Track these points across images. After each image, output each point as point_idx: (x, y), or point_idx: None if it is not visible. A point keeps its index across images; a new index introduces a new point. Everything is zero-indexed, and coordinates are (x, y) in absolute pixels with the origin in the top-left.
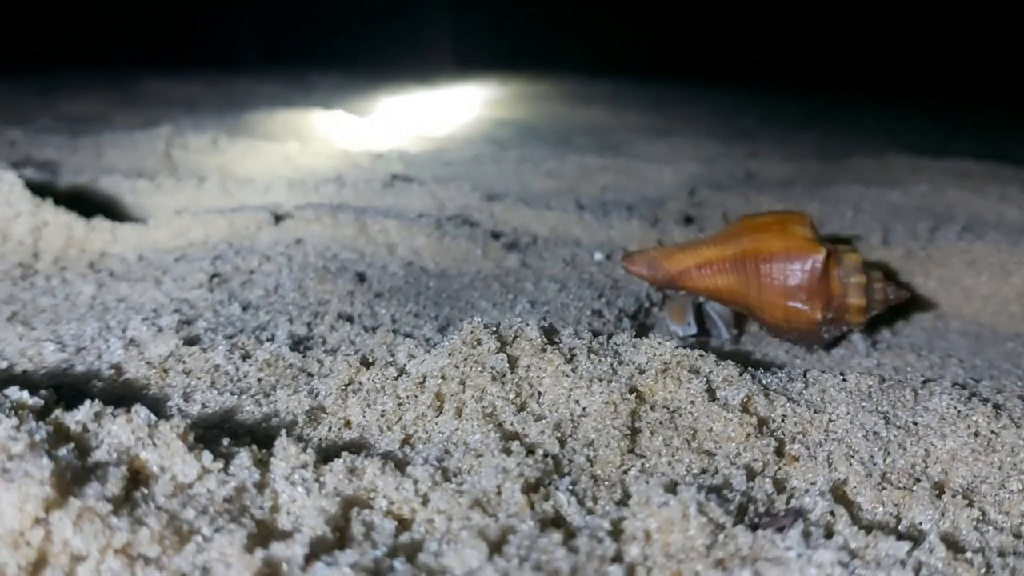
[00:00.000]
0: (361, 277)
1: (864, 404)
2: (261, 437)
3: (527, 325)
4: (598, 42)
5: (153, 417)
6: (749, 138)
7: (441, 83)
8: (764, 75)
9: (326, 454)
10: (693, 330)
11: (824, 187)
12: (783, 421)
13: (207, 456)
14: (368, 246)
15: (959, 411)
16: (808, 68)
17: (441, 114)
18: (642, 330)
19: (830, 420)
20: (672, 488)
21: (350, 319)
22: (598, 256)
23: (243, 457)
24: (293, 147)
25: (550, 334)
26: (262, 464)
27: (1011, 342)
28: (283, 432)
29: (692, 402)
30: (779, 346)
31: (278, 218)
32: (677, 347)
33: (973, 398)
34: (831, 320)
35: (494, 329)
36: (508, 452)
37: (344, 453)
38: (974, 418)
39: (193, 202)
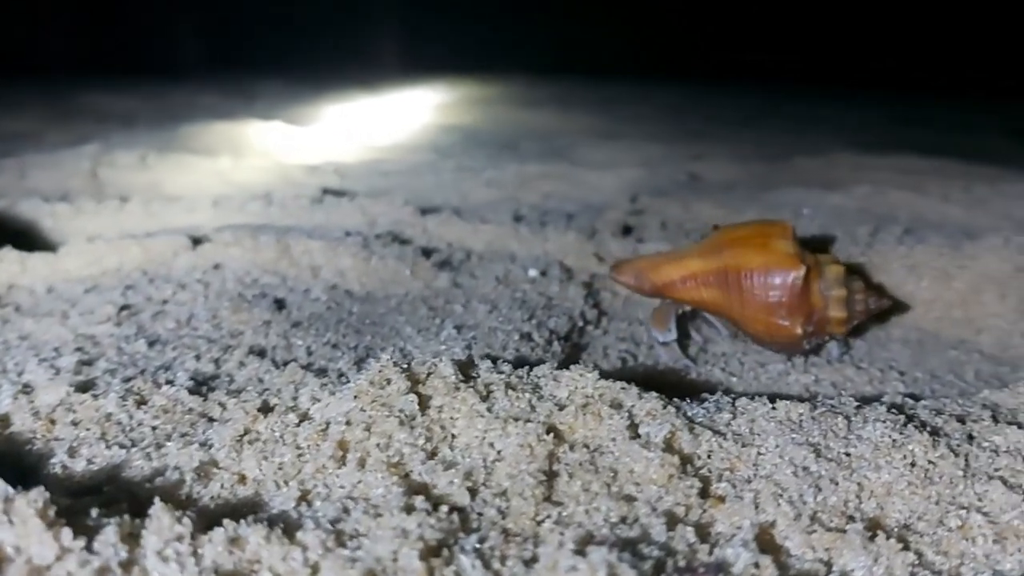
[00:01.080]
0: (280, 304)
1: (794, 435)
2: (145, 498)
3: (440, 361)
4: (548, 43)
5: (10, 490)
6: (695, 138)
7: (389, 89)
8: (713, 72)
9: (212, 518)
10: (673, 336)
11: (765, 191)
12: (709, 457)
13: (67, 534)
14: (290, 269)
15: (894, 440)
16: (757, 63)
17: (385, 121)
18: (576, 351)
19: (759, 454)
20: (583, 547)
21: (262, 353)
22: (532, 273)
23: (110, 532)
24: (225, 162)
25: (467, 369)
26: (132, 538)
27: (954, 349)
28: (158, 498)
29: (613, 439)
30: (722, 360)
31: (196, 242)
32: (599, 379)
33: (909, 424)
34: (812, 333)
35: (405, 367)
36: (410, 510)
37: (226, 521)
38: (910, 447)
39: (114, 225)
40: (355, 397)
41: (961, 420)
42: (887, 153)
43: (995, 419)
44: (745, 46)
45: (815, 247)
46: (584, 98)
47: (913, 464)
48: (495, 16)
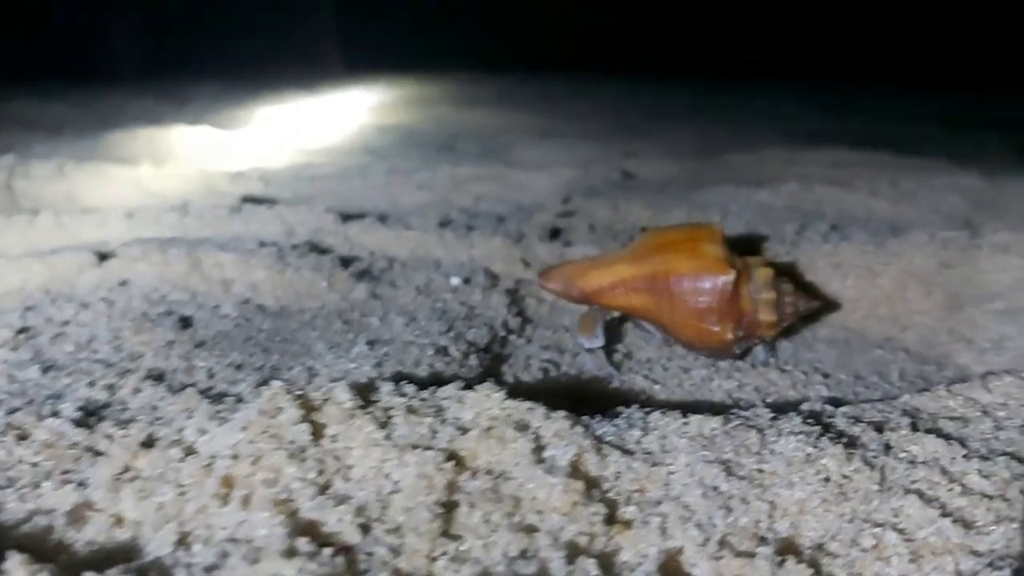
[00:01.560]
0: (185, 323)
1: (705, 452)
2: (12, 547)
3: (336, 386)
4: (491, 40)
5: None
6: (633, 135)
7: (328, 89)
8: (655, 67)
9: (80, 567)
10: (600, 342)
11: (696, 189)
12: (617, 479)
13: None
14: (201, 284)
15: (808, 454)
16: (697, 56)
17: (321, 123)
18: (496, 363)
19: (669, 473)
20: None
21: (160, 377)
22: (454, 281)
23: None
24: (145, 170)
25: (366, 392)
26: None
27: (880, 349)
28: (15, 551)
29: (517, 464)
30: (646, 366)
31: (103, 257)
32: (505, 400)
33: (823, 437)
34: (742, 337)
35: (299, 394)
36: (291, 553)
37: (87, 574)
38: (824, 461)
39: (22, 241)
40: (243, 428)
41: (879, 429)
42: (819, 147)
43: (914, 426)
44: (688, 40)
45: (744, 248)
46: (526, 96)
47: (827, 479)
48: (438, 14)
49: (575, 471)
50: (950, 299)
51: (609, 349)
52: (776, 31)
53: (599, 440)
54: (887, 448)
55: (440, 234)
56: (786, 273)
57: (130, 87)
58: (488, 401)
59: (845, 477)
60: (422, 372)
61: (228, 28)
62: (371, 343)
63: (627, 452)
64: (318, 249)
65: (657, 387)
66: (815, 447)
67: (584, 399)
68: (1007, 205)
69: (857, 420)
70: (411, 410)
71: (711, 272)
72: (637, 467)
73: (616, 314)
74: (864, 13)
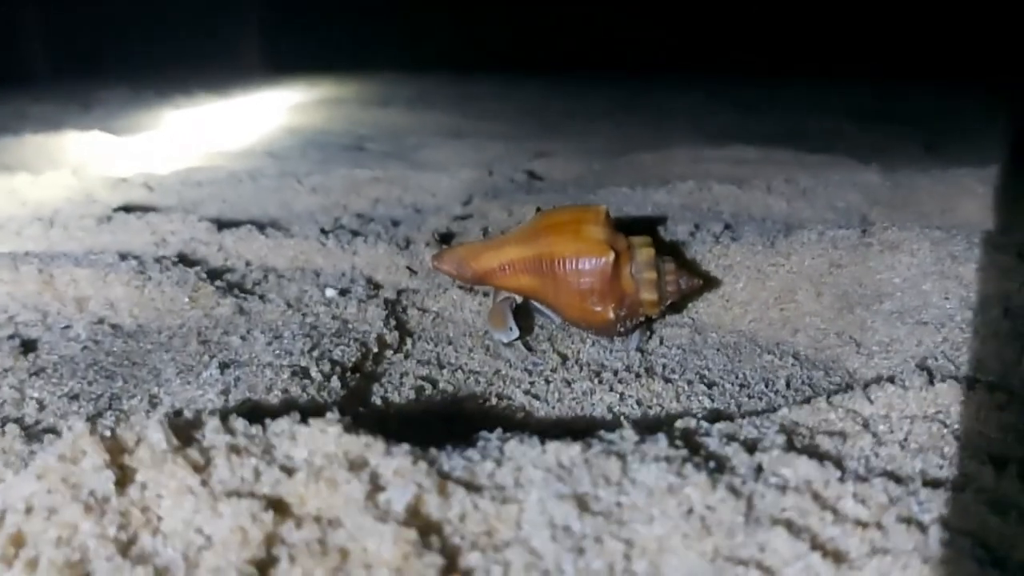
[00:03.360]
0: (28, 347)
1: (560, 486)
2: None
3: (149, 424)
4: (410, 40)
5: None
6: (547, 134)
7: (242, 91)
8: (574, 65)
9: None
10: (516, 334)
11: (598, 189)
12: (462, 522)
13: None
14: (54, 303)
15: (671, 484)
16: (620, 54)
17: (227, 126)
18: (367, 382)
19: (520, 511)
20: None
21: None
22: (330, 293)
23: None
24: (22, 178)
25: (186, 431)
26: None
27: (769, 354)
28: None
29: (348, 510)
30: (527, 380)
31: None
32: (343, 434)
33: (689, 462)
34: (625, 316)
35: (108, 434)
36: None
37: None
38: (687, 491)
39: None
40: (39, 477)
41: (751, 449)
42: (724, 145)
43: (790, 445)
44: (612, 39)
45: (637, 229)
46: (442, 96)
47: (690, 511)
48: (357, 14)
49: (413, 515)
50: (840, 300)
51: (526, 339)
52: (699, 28)
53: (445, 476)
54: (758, 471)
55: (322, 241)
56: (671, 252)
57: (35, 92)
58: (323, 437)
59: (709, 508)
60: (273, 399)
61: (142, 28)
62: (223, 366)
63: (475, 489)
64: (187, 261)
65: (537, 403)
66: (679, 475)
67: (457, 420)
68: (905, 201)
69: (731, 439)
70: (235, 450)
71: (592, 254)
72: (485, 506)
73: (519, 299)
74: (779, 6)
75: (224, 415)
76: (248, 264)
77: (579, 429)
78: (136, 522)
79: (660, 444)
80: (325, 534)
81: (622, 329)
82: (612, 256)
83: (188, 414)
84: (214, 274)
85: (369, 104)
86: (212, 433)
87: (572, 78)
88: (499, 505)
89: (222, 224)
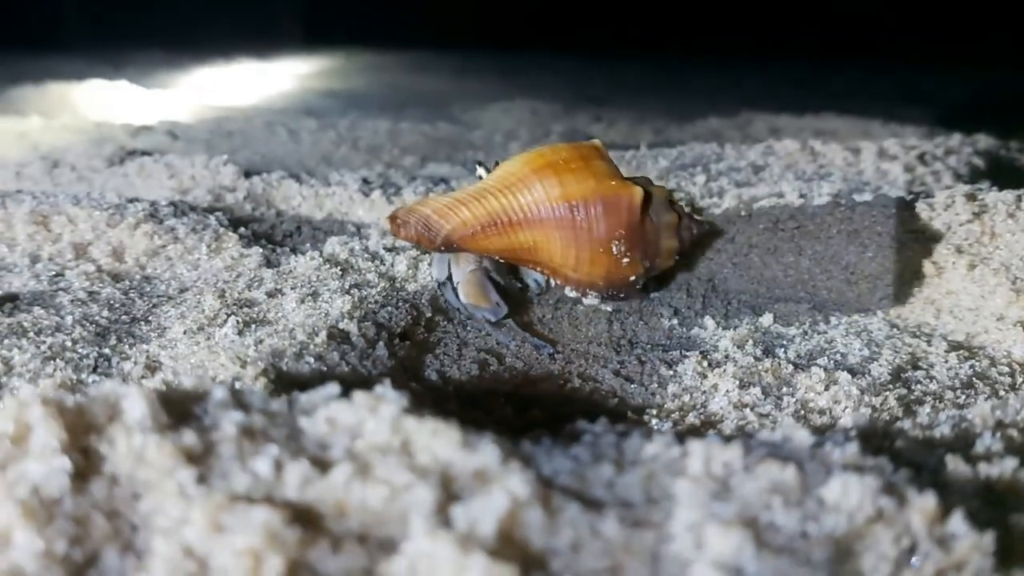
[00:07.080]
0: (10, 298)
1: (719, 505)
2: None
3: (127, 393)
4: (454, 10)
5: None
6: (597, 102)
7: (282, 56)
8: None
9: None
10: (504, 310)
11: (674, 146)
12: (575, 553)
13: None
14: (47, 247)
15: (880, 508)
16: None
17: (264, 87)
18: (422, 350)
19: (662, 541)
20: None
21: None
22: (374, 246)
23: None
24: (34, 122)
25: (181, 404)
26: None
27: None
28: None
29: (406, 528)
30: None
31: None
32: (401, 415)
33: (896, 476)
34: (648, 269)
35: (71, 403)
36: None
37: None
38: (908, 518)
39: None
40: None
41: (969, 457)
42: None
43: (1009, 446)
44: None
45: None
46: (487, 66)
47: (913, 548)
48: None
49: (506, 541)
50: None
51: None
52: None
53: (547, 484)
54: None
55: (364, 192)
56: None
57: (66, 51)
58: (372, 419)
59: (940, 543)
60: (304, 367)
61: None
62: (244, 325)
63: (592, 504)
64: (209, 207)
65: (632, 386)
66: (890, 494)
67: (532, 404)
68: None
69: (927, 444)
70: (247, 433)
71: (618, 193)
72: (609, 531)
73: (489, 266)
74: None
75: (235, 385)
76: (279, 214)
77: (697, 425)
78: (99, 535)
79: (848, 449)
80: (374, 563)
81: (638, 286)
82: (640, 194)
83: (187, 382)
84: (238, 223)
85: (411, 71)
86: (217, 409)
87: (617, 54)
88: (629, 531)
89: (251, 172)
